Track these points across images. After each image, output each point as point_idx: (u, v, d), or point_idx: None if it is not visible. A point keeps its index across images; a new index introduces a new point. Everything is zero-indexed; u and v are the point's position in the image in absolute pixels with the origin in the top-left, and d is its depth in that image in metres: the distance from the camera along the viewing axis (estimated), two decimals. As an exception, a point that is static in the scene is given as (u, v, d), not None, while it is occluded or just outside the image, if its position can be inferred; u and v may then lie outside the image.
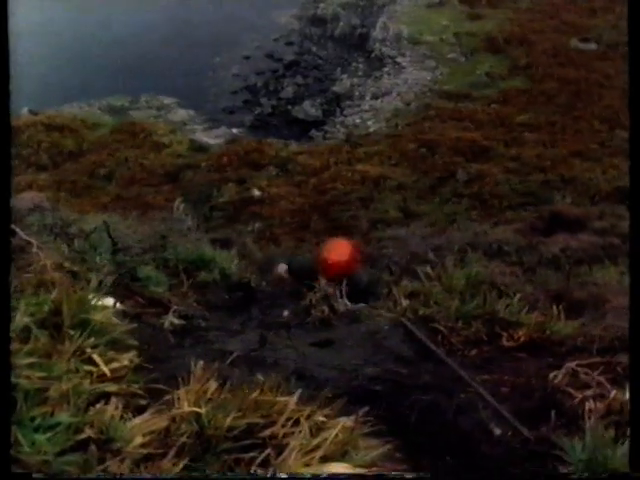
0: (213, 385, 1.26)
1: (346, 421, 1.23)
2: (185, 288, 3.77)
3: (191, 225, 6.63)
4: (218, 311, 3.39)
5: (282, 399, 1.23)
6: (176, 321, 2.67)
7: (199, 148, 17.68)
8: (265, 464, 1.13)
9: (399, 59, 18.33)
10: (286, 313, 3.20)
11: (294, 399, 1.25)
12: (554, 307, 2.59)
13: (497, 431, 1.57)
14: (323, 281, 3.62)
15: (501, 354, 2.35)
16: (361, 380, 1.79)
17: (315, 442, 1.14)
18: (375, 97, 17.82)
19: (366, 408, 1.34)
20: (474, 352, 2.39)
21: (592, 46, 17.34)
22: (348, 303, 3.54)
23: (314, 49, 20.48)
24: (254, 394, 1.23)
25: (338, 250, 3.89)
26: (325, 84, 19.23)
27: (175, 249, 4.02)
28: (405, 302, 2.84)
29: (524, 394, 1.80)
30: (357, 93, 18.30)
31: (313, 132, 17.87)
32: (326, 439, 1.14)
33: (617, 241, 5.63)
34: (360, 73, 18.93)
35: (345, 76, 18.96)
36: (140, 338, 2.07)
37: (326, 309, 3.08)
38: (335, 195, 14.07)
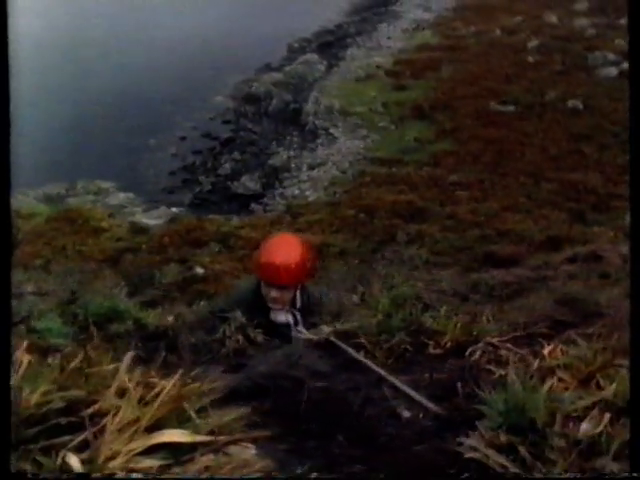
0: (26, 358, 0.99)
1: (178, 378, 0.98)
2: (96, 341, 3.46)
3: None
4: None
5: (110, 367, 0.99)
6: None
7: (139, 230, 17.29)
8: (83, 447, 0.87)
9: (332, 130, 18.91)
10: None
11: (125, 365, 1.00)
12: (483, 313, 2.46)
13: (406, 414, 1.36)
14: (273, 291, 3.14)
15: (426, 359, 2.16)
16: (254, 379, 1.54)
17: (142, 410, 0.89)
18: (311, 168, 18.15)
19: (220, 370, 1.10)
20: (399, 364, 2.20)
21: (510, 108, 18.44)
22: (304, 331, 2.94)
23: (250, 126, 20.88)
24: (74, 362, 0.97)
25: (285, 246, 3.17)
26: (262, 158, 19.49)
27: (84, 302, 3.72)
28: (329, 324, 2.64)
29: (443, 385, 1.59)
30: (294, 165, 18.61)
31: (253, 206, 17.87)
32: (155, 403, 0.89)
33: (551, 273, 5.64)
34: (295, 146, 19.34)
35: (281, 149, 19.32)
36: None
37: (241, 338, 2.81)
38: (278, 265, 13.87)
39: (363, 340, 2.35)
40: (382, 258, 9.68)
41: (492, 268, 6.21)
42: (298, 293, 3.27)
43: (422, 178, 16.16)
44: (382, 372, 1.74)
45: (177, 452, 0.90)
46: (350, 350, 2.25)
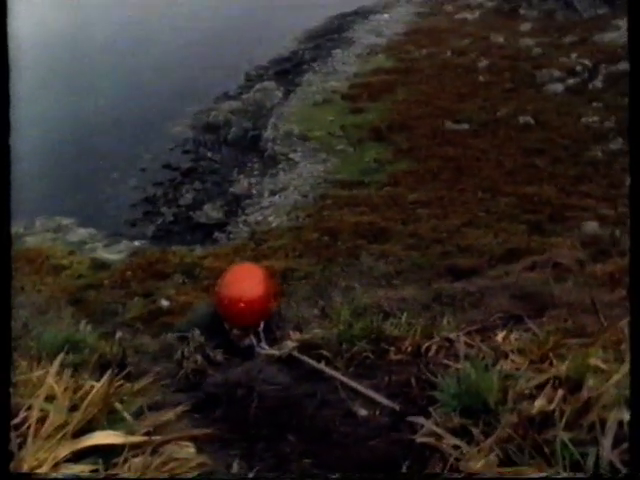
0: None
1: (108, 378, 0.92)
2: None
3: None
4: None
5: (38, 373, 0.93)
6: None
7: (101, 266, 16.88)
8: (8, 458, 0.80)
9: (291, 155, 19.01)
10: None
11: (53, 370, 0.94)
12: (443, 317, 2.45)
13: (362, 412, 1.33)
14: (235, 330, 2.92)
15: (387, 365, 2.13)
16: (206, 389, 1.48)
17: (71, 415, 0.83)
18: (273, 193, 18.16)
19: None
20: (360, 370, 2.16)
21: (465, 126, 18.90)
22: (267, 348, 2.78)
23: (210, 155, 20.82)
24: (-1, 370, 0.91)
25: (250, 283, 2.91)
26: (224, 187, 19.40)
27: (37, 335, 3.58)
28: (291, 337, 2.58)
29: (401, 384, 1.56)
30: (255, 192, 18.58)
31: (217, 234, 17.71)
32: (84, 404, 0.83)
33: (511, 280, 5.71)
34: (256, 172, 19.34)
35: (242, 177, 19.29)
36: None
37: (199, 358, 2.72)
38: (243, 293, 13.71)
39: (324, 351, 2.31)
40: (342, 271, 9.70)
41: (454, 280, 6.26)
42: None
43: (383, 198, 16.32)
44: (343, 379, 1.69)
45: (108, 455, 0.84)
46: (313, 363, 2.19)
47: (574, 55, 22.60)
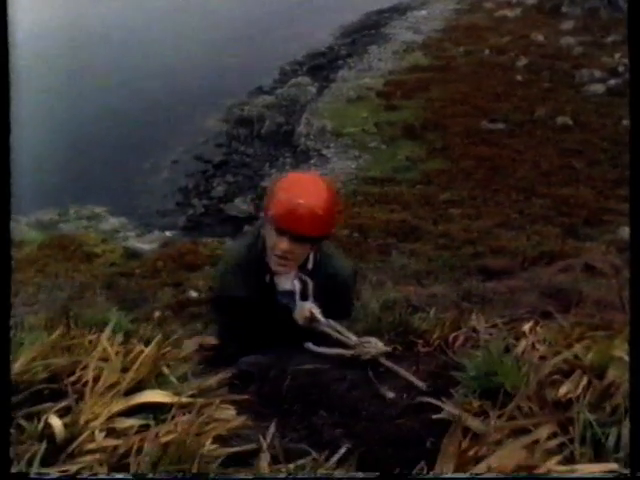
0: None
1: (157, 342, 1.00)
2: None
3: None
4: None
5: (91, 336, 1.01)
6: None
7: (132, 255, 17.21)
8: (65, 413, 0.88)
9: (324, 151, 19.05)
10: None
11: (106, 334, 1.02)
12: (473, 309, 2.46)
13: (390, 394, 1.37)
14: (284, 242, 2.23)
15: (415, 357, 2.16)
16: (239, 366, 1.56)
17: (122, 375, 0.91)
18: (305, 188, 18.18)
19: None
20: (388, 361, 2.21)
21: (500, 126, 18.67)
22: (332, 324, 2.22)
23: (242, 148, 21.01)
24: (55, 334, 1.00)
25: (313, 188, 2.28)
26: (255, 180, 19.56)
27: (76, 314, 3.73)
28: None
29: (428, 372, 1.61)
30: (287, 186, 18.62)
31: (247, 228, 17.83)
32: (134, 365, 0.91)
33: (545, 281, 5.67)
34: (288, 167, 19.43)
35: (274, 171, 19.41)
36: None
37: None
38: (273, 286, 13.85)
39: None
40: (375, 267, 9.72)
41: (484, 280, 6.24)
42: (311, 254, 2.43)
43: (415, 197, 16.25)
44: (419, 383, 1.54)
45: (157, 413, 0.92)
46: (400, 370, 1.73)
47: (617, 55, 22.07)
